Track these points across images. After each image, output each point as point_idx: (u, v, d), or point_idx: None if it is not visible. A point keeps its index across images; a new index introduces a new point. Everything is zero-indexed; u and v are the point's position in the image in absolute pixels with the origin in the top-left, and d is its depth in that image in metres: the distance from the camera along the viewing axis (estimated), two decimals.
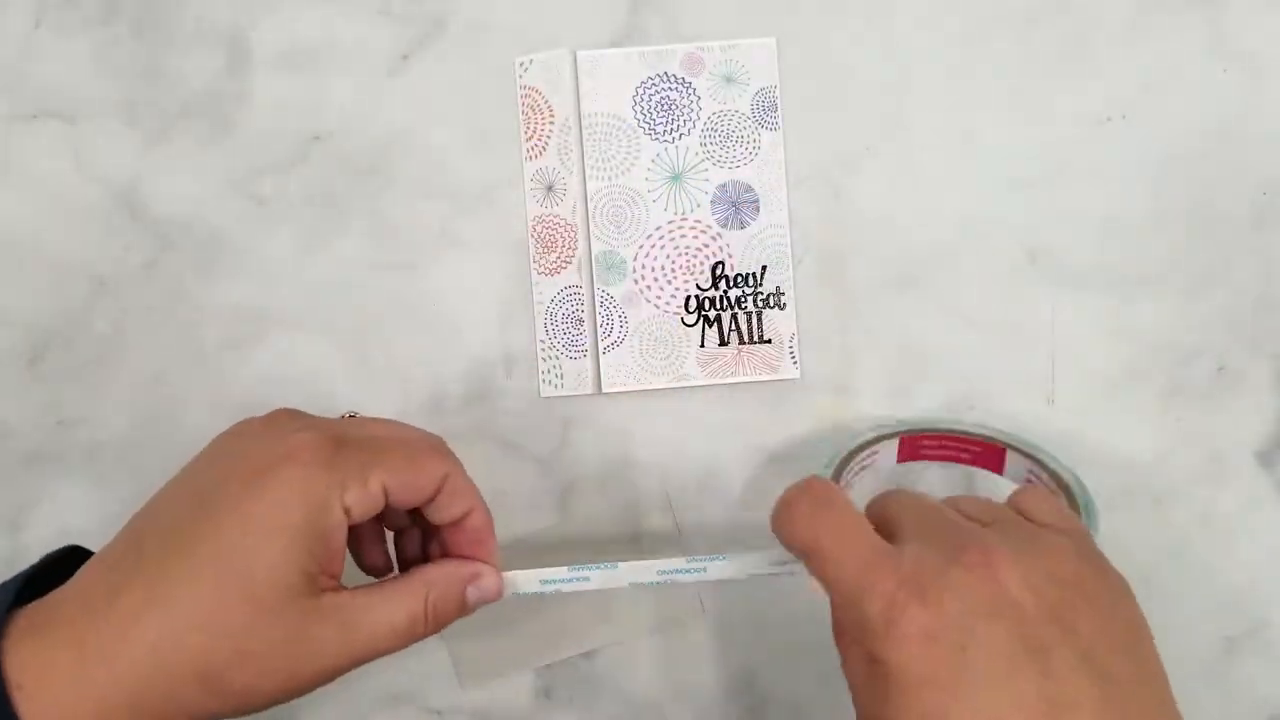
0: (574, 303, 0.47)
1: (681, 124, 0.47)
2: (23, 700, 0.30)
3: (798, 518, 0.34)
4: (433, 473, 0.36)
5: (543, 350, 0.47)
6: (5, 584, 0.34)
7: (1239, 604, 0.47)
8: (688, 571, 0.38)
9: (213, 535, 0.32)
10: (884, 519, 0.34)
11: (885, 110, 0.47)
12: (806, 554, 0.34)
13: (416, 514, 0.38)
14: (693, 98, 0.47)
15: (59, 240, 0.47)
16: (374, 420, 0.39)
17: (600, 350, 0.47)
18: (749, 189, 0.47)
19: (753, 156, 0.47)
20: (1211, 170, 0.47)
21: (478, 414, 0.47)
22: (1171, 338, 0.47)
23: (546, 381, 0.47)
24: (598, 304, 0.47)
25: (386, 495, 0.34)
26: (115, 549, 0.34)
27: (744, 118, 0.47)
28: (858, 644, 0.31)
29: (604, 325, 0.47)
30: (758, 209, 0.47)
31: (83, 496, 0.47)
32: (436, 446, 0.37)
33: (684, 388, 0.47)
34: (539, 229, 0.47)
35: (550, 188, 0.47)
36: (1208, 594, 0.47)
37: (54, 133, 0.47)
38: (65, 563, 0.36)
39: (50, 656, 0.31)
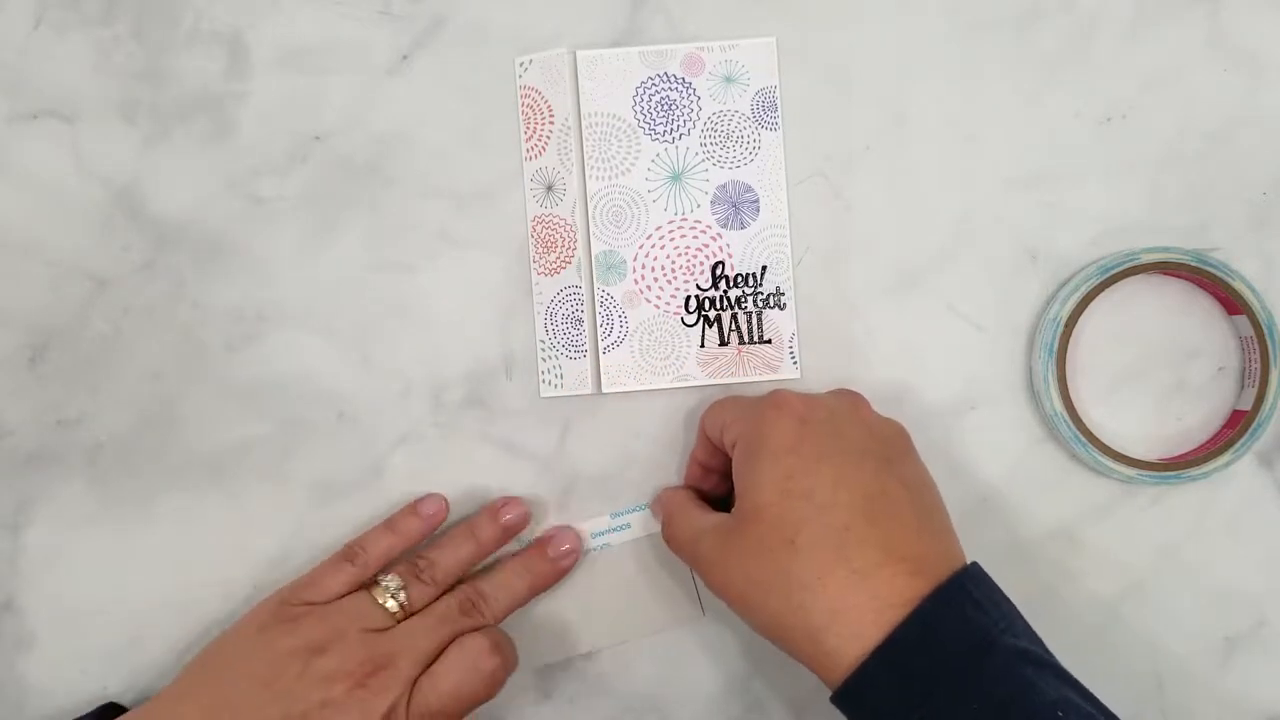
0: (574, 303, 0.47)
1: (681, 124, 0.47)
2: None
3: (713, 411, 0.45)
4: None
5: (543, 350, 0.47)
6: None
7: (1239, 604, 0.47)
8: (615, 530, 0.46)
9: None
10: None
11: (885, 110, 0.47)
12: (721, 427, 0.43)
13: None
14: (693, 98, 0.47)
15: (59, 240, 0.47)
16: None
17: (600, 350, 0.47)
18: (749, 189, 0.47)
19: (753, 156, 0.47)
20: (1211, 170, 0.47)
21: (478, 414, 0.47)
22: (1171, 338, 0.47)
23: (546, 381, 0.47)
24: (598, 304, 0.47)
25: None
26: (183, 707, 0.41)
27: (744, 118, 0.47)
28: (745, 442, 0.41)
29: (604, 325, 0.47)
30: (758, 209, 0.47)
31: (83, 496, 0.47)
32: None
33: (684, 388, 0.47)
34: (539, 229, 0.47)
35: (550, 188, 0.47)
36: (1208, 594, 0.47)
37: (54, 133, 0.47)
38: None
39: None
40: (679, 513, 0.43)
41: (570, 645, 0.47)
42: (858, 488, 0.38)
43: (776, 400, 0.41)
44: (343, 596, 0.43)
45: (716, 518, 0.41)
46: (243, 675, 0.40)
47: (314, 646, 0.40)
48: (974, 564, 0.39)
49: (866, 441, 0.40)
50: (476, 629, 0.42)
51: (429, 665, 0.41)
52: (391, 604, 0.42)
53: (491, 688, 0.42)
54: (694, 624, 0.47)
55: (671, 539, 0.43)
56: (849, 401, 0.42)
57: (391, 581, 0.43)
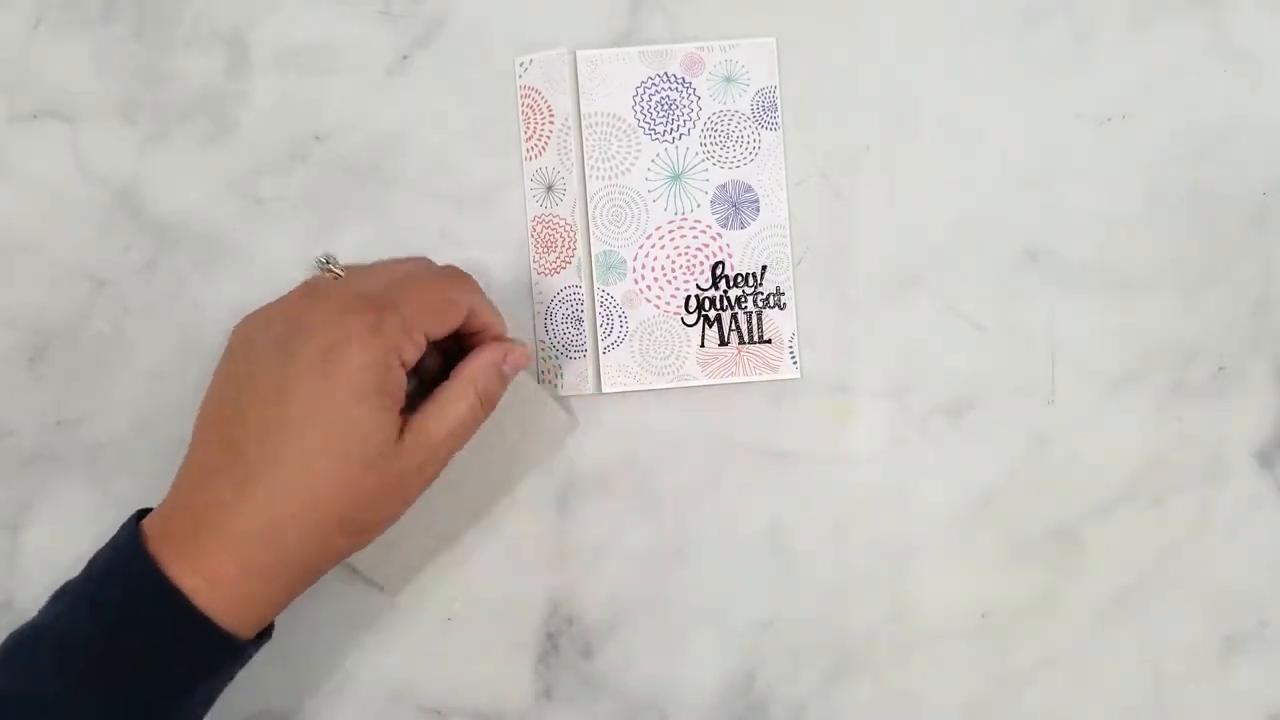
0: (574, 303, 0.47)
1: (681, 124, 0.47)
2: (201, 600, 0.37)
3: None
4: (459, 309, 0.41)
5: (543, 350, 0.47)
6: (124, 524, 0.40)
7: (1239, 604, 0.47)
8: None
9: (310, 418, 0.37)
10: None
11: (885, 110, 0.47)
12: None
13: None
14: (693, 98, 0.47)
15: (59, 240, 0.47)
16: (388, 267, 0.45)
17: (600, 350, 0.47)
18: (749, 189, 0.47)
19: (753, 156, 0.47)
20: (1211, 170, 0.47)
21: None
22: (1171, 338, 0.47)
23: (547, 382, 0.47)
24: (598, 304, 0.47)
25: (428, 338, 0.40)
26: (207, 454, 0.39)
27: (744, 118, 0.47)
28: None
29: (604, 325, 0.47)
30: (758, 209, 0.47)
31: (83, 496, 0.47)
32: (455, 280, 0.42)
33: (684, 388, 0.47)
34: (539, 229, 0.47)
35: (550, 188, 0.47)
36: (1208, 594, 0.47)
37: (54, 133, 0.47)
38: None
39: (207, 559, 0.37)
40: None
41: (468, 517, 0.47)
42: None
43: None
44: None
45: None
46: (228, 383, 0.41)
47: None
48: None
49: None
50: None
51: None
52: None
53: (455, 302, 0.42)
54: (571, 435, 0.47)
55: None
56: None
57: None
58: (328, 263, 0.46)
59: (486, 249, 0.47)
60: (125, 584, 0.37)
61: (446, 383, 0.41)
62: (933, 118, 0.47)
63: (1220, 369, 0.47)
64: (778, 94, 0.47)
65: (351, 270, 0.46)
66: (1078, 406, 0.47)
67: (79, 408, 0.47)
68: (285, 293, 0.42)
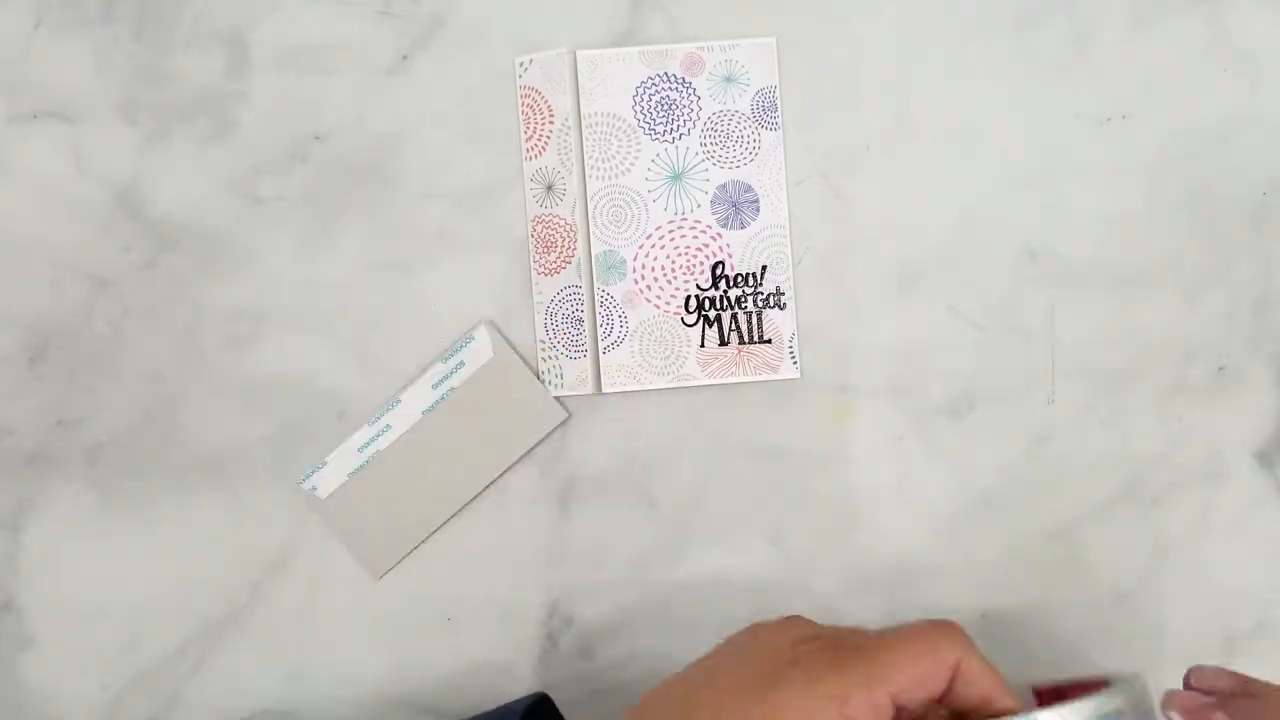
0: (574, 303, 0.47)
1: (681, 124, 0.47)
2: None
3: None
4: (943, 662, 0.33)
5: (543, 350, 0.47)
6: None
7: (1239, 604, 0.47)
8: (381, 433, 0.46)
9: None
10: None
11: (885, 110, 0.47)
12: None
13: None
14: (693, 98, 0.47)
15: (59, 240, 0.47)
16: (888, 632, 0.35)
17: (600, 350, 0.47)
18: (749, 189, 0.47)
19: (753, 156, 0.47)
20: (1211, 170, 0.47)
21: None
22: (1171, 338, 0.47)
23: (546, 381, 0.47)
24: (598, 304, 0.47)
25: (895, 699, 0.33)
26: None
27: (744, 118, 0.47)
28: None
29: (604, 325, 0.47)
30: (758, 209, 0.47)
31: (83, 496, 0.47)
32: (946, 634, 0.34)
33: (684, 388, 0.47)
34: (539, 229, 0.47)
35: (550, 187, 0.47)
36: (1208, 594, 0.47)
37: (54, 133, 0.47)
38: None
39: None
40: None
41: (452, 501, 0.47)
42: None
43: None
44: None
45: None
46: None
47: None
48: None
49: None
50: None
51: None
52: None
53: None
54: (561, 424, 0.47)
55: None
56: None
57: None
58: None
59: (486, 249, 0.47)
60: None
61: None
62: (933, 118, 0.47)
63: (1220, 369, 0.47)
64: (778, 94, 0.47)
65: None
66: (1078, 406, 0.47)
67: (79, 408, 0.47)
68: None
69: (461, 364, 0.47)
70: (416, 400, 0.46)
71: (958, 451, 0.47)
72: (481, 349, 0.47)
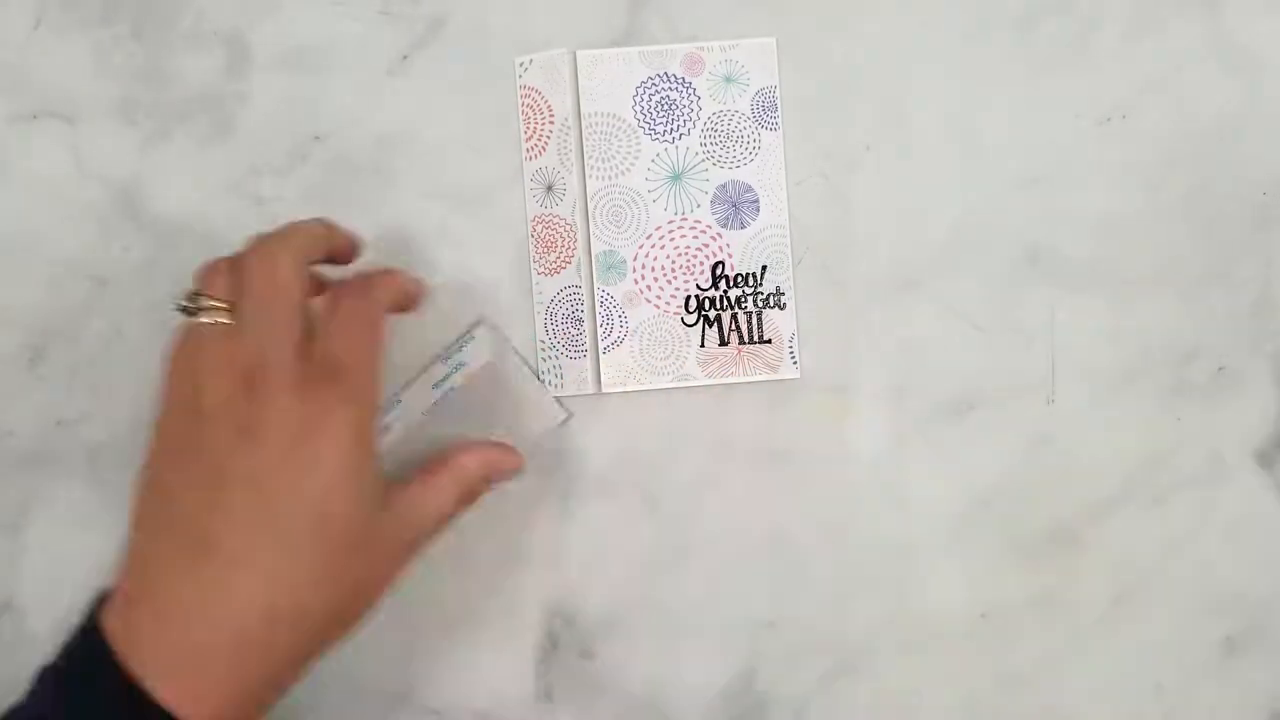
0: (574, 303, 0.47)
1: (681, 124, 0.47)
2: (149, 682, 0.34)
3: None
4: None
5: (543, 350, 0.47)
6: (89, 603, 0.37)
7: (1239, 604, 0.47)
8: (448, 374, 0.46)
9: (287, 515, 0.35)
10: None
11: (885, 110, 0.47)
12: None
13: None
14: (693, 98, 0.47)
15: (59, 240, 0.47)
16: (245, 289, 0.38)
17: (600, 350, 0.47)
18: (749, 189, 0.47)
19: (753, 156, 0.47)
20: (1211, 170, 0.47)
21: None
22: (1171, 338, 0.47)
23: (546, 381, 0.47)
24: (598, 304, 0.47)
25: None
26: (168, 540, 0.36)
27: (744, 118, 0.47)
28: None
29: (604, 325, 0.47)
30: (758, 209, 0.47)
31: (83, 496, 0.47)
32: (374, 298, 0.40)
33: (684, 388, 0.47)
34: (539, 229, 0.47)
35: (550, 187, 0.47)
36: (1208, 594, 0.47)
37: (54, 133, 0.47)
38: None
39: (159, 638, 0.34)
40: None
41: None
42: None
43: None
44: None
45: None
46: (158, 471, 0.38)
47: (186, 400, 0.37)
48: None
49: None
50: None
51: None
52: (209, 315, 0.38)
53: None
54: (559, 428, 0.47)
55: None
56: None
57: (190, 298, 0.38)
58: (193, 301, 0.38)
59: (486, 249, 0.47)
60: (92, 686, 0.35)
61: (432, 470, 0.41)
62: (933, 118, 0.47)
63: (1220, 369, 0.47)
64: (778, 94, 0.47)
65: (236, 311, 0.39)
66: (1078, 406, 0.47)
67: (79, 408, 0.47)
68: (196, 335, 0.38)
69: (462, 364, 0.47)
70: (417, 400, 0.46)
71: (958, 451, 0.47)
72: (481, 349, 0.47)
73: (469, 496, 0.41)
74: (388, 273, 0.41)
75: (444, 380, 0.46)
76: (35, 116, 0.47)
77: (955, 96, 0.47)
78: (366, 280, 0.41)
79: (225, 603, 0.35)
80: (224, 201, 0.47)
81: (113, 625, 0.35)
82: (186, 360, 0.38)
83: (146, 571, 0.36)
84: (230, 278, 0.38)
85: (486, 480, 0.42)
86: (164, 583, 0.35)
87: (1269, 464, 0.47)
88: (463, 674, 0.47)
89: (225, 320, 0.38)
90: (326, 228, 0.42)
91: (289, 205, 0.47)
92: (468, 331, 0.47)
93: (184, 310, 0.38)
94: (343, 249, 0.42)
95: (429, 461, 0.41)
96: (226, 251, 0.47)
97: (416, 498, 0.40)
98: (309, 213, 0.47)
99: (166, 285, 0.47)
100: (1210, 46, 0.47)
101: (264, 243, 0.39)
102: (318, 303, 0.40)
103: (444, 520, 0.40)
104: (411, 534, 0.39)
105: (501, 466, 0.43)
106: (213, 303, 0.38)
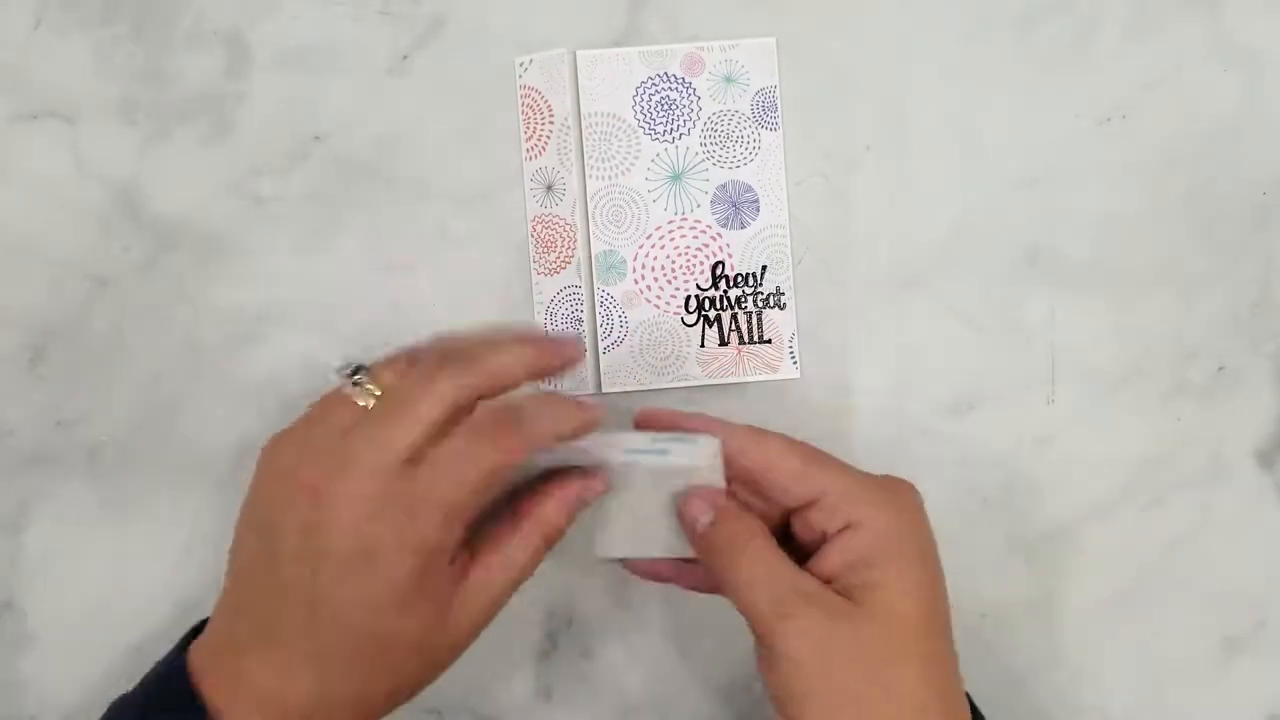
0: (574, 303, 0.47)
1: (681, 124, 0.47)
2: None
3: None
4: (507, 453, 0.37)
5: None
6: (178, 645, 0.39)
7: (1239, 604, 0.47)
8: (649, 453, 0.40)
9: (351, 621, 0.35)
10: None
11: (885, 110, 0.47)
12: (819, 493, 0.39)
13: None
14: (693, 98, 0.47)
15: (59, 240, 0.47)
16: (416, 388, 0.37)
17: (600, 350, 0.47)
18: (749, 189, 0.47)
19: (753, 156, 0.47)
20: (1211, 170, 0.47)
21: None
22: (1171, 338, 0.47)
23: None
24: (598, 304, 0.47)
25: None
26: (250, 604, 0.37)
27: (744, 118, 0.47)
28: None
29: (604, 325, 0.47)
30: (758, 209, 0.47)
31: (83, 496, 0.47)
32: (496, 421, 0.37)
33: (684, 388, 0.47)
34: (539, 229, 0.47)
35: (550, 187, 0.47)
36: (1208, 594, 0.47)
37: (54, 133, 0.47)
38: None
39: (234, 696, 0.36)
40: (758, 553, 0.38)
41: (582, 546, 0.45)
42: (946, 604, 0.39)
43: (913, 499, 0.39)
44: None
45: (813, 582, 0.37)
46: (247, 523, 0.38)
47: (281, 470, 0.37)
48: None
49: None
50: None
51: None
52: (362, 399, 0.37)
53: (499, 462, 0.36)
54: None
55: (737, 582, 0.38)
56: (923, 506, 0.40)
57: (356, 373, 0.37)
58: (354, 374, 0.38)
59: (486, 249, 0.47)
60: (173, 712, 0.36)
61: (512, 525, 0.38)
62: (932, 118, 0.47)
63: (1220, 369, 0.47)
64: (778, 94, 0.47)
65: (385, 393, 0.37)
66: (1078, 406, 0.47)
67: (79, 408, 0.47)
68: (312, 414, 0.38)
69: (666, 452, 0.43)
70: (600, 450, 0.42)
71: (958, 451, 0.47)
72: (695, 454, 0.41)
73: (551, 544, 0.39)
74: (539, 416, 0.37)
75: (638, 451, 0.41)
76: (35, 116, 0.47)
77: (955, 96, 0.47)
78: (507, 421, 0.37)
79: (288, 687, 0.36)
80: (224, 201, 0.47)
81: (198, 664, 0.37)
82: (297, 444, 0.37)
83: (230, 635, 0.37)
84: (397, 375, 0.37)
85: (568, 515, 0.39)
86: (240, 652, 0.37)
87: (1269, 464, 0.47)
88: (462, 674, 0.47)
89: (363, 403, 0.37)
90: (534, 353, 0.38)
91: (289, 205, 0.47)
92: (694, 434, 0.41)
93: (341, 374, 0.38)
94: (546, 371, 0.39)
95: (513, 513, 0.39)
96: (226, 251, 0.47)
97: (496, 565, 0.38)
98: (309, 213, 0.47)
99: (166, 285, 0.47)
100: (1210, 46, 0.47)
101: (442, 362, 0.37)
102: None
103: (525, 574, 0.38)
104: (488, 604, 0.38)
105: (588, 494, 0.40)
106: (367, 388, 0.37)
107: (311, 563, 0.35)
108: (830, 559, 0.38)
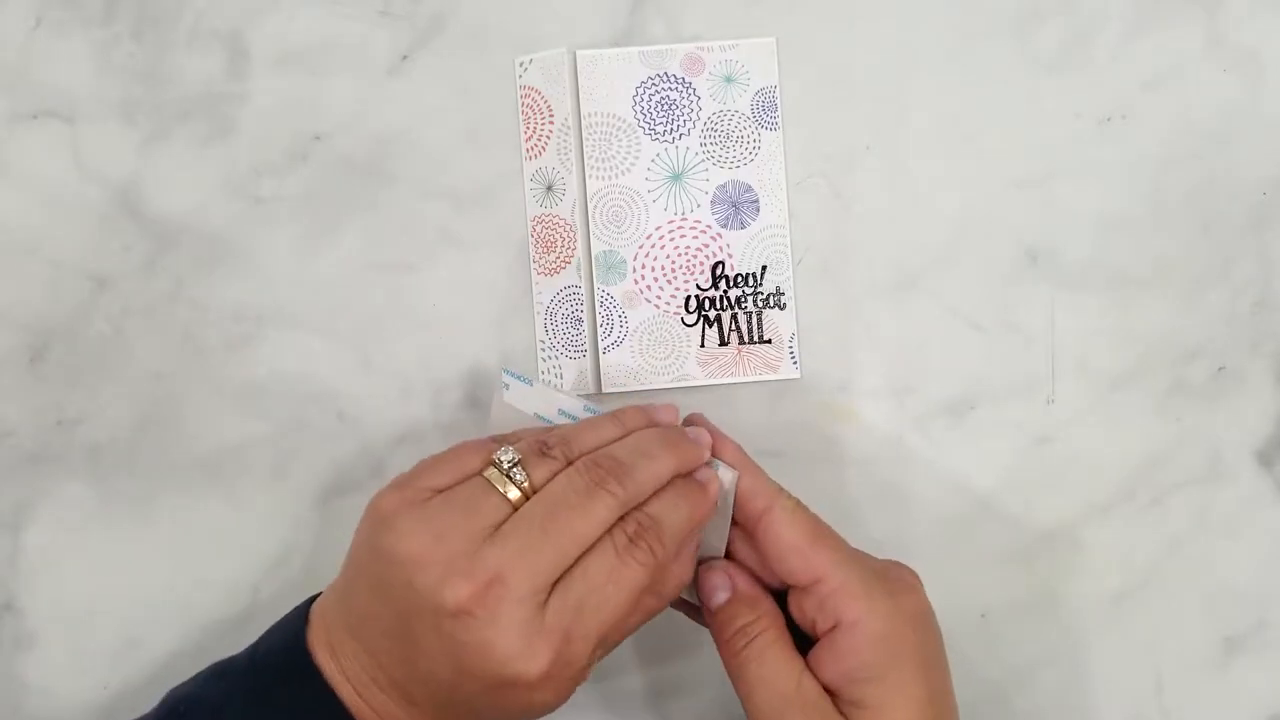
0: (574, 303, 0.47)
1: (681, 124, 0.47)
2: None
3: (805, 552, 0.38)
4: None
5: (543, 350, 0.47)
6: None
7: (1239, 604, 0.47)
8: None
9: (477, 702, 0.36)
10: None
11: (885, 110, 0.47)
12: (819, 577, 0.38)
13: None
14: (693, 98, 0.47)
15: (59, 240, 0.47)
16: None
17: (600, 350, 0.47)
18: (749, 189, 0.47)
19: (753, 156, 0.47)
20: (1211, 170, 0.47)
21: (478, 414, 0.47)
22: (1171, 338, 0.47)
23: (547, 382, 0.47)
24: (598, 304, 0.47)
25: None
26: (370, 638, 0.37)
27: (744, 118, 0.47)
28: None
29: (604, 325, 0.47)
30: (758, 209, 0.47)
31: (83, 496, 0.47)
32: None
33: (684, 388, 0.47)
34: (539, 229, 0.47)
35: (550, 187, 0.47)
36: (1208, 594, 0.47)
37: (54, 133, 0.47)
38: None
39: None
40: (765, 650, 0.38)
41: None
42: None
43: (913, 597, 0.38)
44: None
45: (814, 690, 0.37)
46: (360, 575, 0.37)
47: (413, 557, 0.34)
48: None
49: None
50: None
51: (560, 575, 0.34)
52: (511, 491, 0.35)
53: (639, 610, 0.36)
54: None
55: (741, 676, 0.38)
56: (927, 602, 0.39)
57: (506, 455, 0.35)
58: (509, 466, 0.36)
59: (486, 249, 0.47)
60: (293, 691, 0.36)
61: None
62: (932, 118, 0.47)
63: (1220, 369, 0.47)
64: (778, 94, 0.47)
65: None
66: (1078, 406, 0.47)
67: (79, 408, 0.47)
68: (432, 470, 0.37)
69: None
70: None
71: (958, 451, 0.47)
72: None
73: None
74: (678, 526, 0.37)
75: None
76: (35, 116, 0.47)
77: (955, 96, 0.47)
78: (657, 544, 0.36)
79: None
80: (224, 201, 0.47)
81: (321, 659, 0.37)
82: (433, 527, 0.35)
83: (353, 641, 0.37)
84: (550, 472, 0.36)
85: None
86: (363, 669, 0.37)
87: (1269, 464, 0.47)
88: None
89: (512, 497, 0.35)
90: (678, 461, 0.37)
91: (289, 205, 0.47)
92: (712, 459, 0.41)
93: (494, 465, 0.36)
94: (688, 471, 0.38)
95: None
96: (226, 251, 0.47)
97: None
98: (309, 213, 0.47)
99: (166, 285, 0.47)
100: (1210, 46, 0.47)
101: (595, 469, 0.36)
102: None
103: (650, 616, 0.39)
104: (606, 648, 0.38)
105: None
106: (518, 480, 0.35)
107: (451, 669, 0.35)
108: (828, 666, 0.37)
